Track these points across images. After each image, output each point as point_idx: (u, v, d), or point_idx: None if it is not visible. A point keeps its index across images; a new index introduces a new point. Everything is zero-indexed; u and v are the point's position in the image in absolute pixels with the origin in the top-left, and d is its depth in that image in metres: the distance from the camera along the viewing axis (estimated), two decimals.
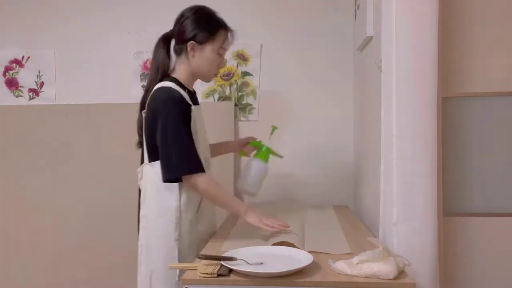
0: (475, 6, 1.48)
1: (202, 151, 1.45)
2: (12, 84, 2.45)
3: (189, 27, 1.45)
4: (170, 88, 1.41)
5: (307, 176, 2.30)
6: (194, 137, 1.40)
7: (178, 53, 1.49)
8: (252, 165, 1.70)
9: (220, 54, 1.49)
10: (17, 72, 2.44)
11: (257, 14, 2.32)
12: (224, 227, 1.67)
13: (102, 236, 2.31)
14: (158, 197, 1.43)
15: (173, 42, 1.51)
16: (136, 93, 2.37)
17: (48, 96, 2.43)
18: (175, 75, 1.48)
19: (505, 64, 1.48)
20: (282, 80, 2.33)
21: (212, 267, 1.11)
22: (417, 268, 1.31)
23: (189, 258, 1.40)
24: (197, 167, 1.36)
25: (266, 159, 1.71)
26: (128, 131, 2.36)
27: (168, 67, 1.49)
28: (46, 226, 2.34)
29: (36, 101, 2.43)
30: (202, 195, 1.43)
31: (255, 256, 1.18)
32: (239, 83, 2.32)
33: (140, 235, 1.48)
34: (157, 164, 1.40)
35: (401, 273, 1.07)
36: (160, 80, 1.45)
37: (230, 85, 2.33)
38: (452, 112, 1.49)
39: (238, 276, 1.07)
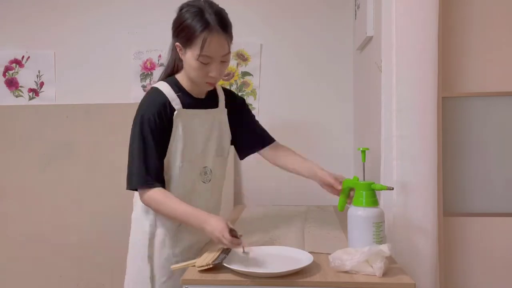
0: (475, 6, 1.48)
1: (192, 159, 1.34)
2: (12, 84, 2.45)
3: (175, 28, 1.30)
4: (154, 90, 1.33)
5: None
6: (174, 143, 1.30)
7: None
8: (352, 218, 1.21)
9: (204, 63, 1.25)
10: (17, 72, 2.44)
11: (257, 14, 2.32)
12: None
13: (102, 236, 2.31)
14: (135, 215, 1.40)
15: None
16: (136, 93, 2.37)
17: (48, 96, 2.43)
18: (179, 75, 1.38)
19: (505, 64, 1.48)
20: (282, 80, 2.33)
21: (209, 259, 1.11)
22: (417, 268, 1.31)
23: (164, 278, 1.32)
24: (141, 182, 1.25)
25: (371, 203, 1.19)
26: (128, 131, 2.36)
27: (176, 66, 1.38)
28: (46, 226, 2.34)
29: (36, 101, 2.43)
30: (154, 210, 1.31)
31: (255, 256, 1.19)
32: (239, 83, 2.32)
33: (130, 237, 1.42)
34: None
35: (401, 273, 1.07)
36: (163, 79, 1.38)
37: (230, 85, 2.33)
38: (452, 112, 1.49)
39: (238, 276, 1.07)
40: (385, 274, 1.06)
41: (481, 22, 1.48)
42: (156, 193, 1.25)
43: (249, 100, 2.32)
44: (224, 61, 1.30)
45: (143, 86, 2.38)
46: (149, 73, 2.38)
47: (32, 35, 2.43)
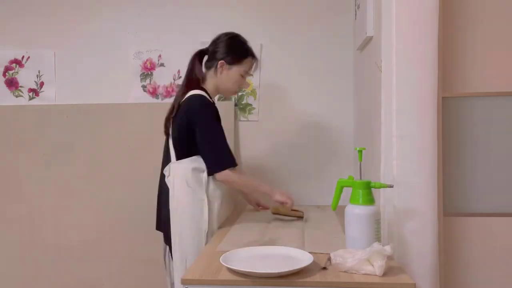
0: (475, 6, 1.48)
1: None
2: (12, 84, 2.45)
3: (222, 49, 1.69)
4: (203, 96, 1.62)
5: (307, 175, 2.30)
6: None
7: (208, 68, 1.72)
8: (349, 217, 1.22)
9: (243, 77, 1.73)
10: (17, 72, 2.44)
11: (257, 14, 2.32)
12: (223, 226, 1.67)
13: (102, 236, 2.31)
14: (188, 190, 1.58)
15: (205, 58, 1.74)
16: (136, 93, 2.37)
17: (48, 96, 2.43)
18: (204, 85, 1.70)
19: (505, 64, 1.48)
20: (282, 80, 2.33)
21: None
22: (417, 268, 1.31)
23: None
24: (234, 162, 1.59)
25: (367, 201, 1.21)
26: (128, 131, 2.37)
27: (203, 78, 1.71)
28: (46, 226, 2.34)
29: (36, 101, 2.43)
30: (234, 186, 1.68)
31: (255, 256, 1.19)
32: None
33: (172, 227, 1.59)
34: (185, 161, 1.59)
35: (401, 273, 1.07)
36: (192, 88, 1.64)
37: None
38: (452, 112, 1.49)
39: (238, 276, 1.07)
40: (385, 274, 1.06)
41: (481, 22, 1.48)
42: (237, 171, 1.62)
43: (249, 100, 2.33)
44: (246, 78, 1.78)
45: (143, 86, 2.38)
46: (149, 73, 2.38)
47: (32, 35, 2.43)
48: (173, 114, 1.64)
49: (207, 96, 1.64)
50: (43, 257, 2.33)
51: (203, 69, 1.73)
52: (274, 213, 1.82)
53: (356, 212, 1.20)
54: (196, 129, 1.58)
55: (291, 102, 2.33)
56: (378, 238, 1.18)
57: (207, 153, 1.58)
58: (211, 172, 1.58)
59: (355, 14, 2.10)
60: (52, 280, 2.33)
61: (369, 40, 1.82)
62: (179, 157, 1.61)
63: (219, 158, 1.58)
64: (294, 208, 1.76)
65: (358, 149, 1.30)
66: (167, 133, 1.69)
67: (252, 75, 1.80)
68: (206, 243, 1.55)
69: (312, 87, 2.31)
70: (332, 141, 2.31)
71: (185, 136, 1.60)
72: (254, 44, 2.32)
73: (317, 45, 2.31)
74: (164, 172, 1.66)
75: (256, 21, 2.32)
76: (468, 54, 1.48)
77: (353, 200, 1.22)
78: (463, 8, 1.48)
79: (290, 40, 2.32)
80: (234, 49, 1.70)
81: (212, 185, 1.61)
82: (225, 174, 1.57)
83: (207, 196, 1.59)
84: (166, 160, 1.68)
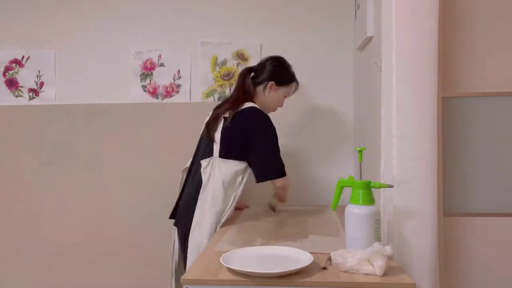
0: (475, 6, 1.48)
1: None
2: (12, 84, 2.45)
3: (273, 70, 1.86)
4: (260, 110, 1.77)
5: (308, 175, 2.30)
6: None
7: (257, 85, 1.86)
8: (349, 217, 1.22)
9: (285, 97, 1.93)
10: (17, 72, 2.44)
11: (257, 14, 2.32)
12: (223, 226, 1.67)
13: (103, 236, 2.31)
14: (222, 188, 1.68)
15: (252, 74, 1.87)
16: (136, 93, 2.37)
17: (48, 96, 2.43)
18: (254, 100, 1.83)
19: (505, 64, 1.48)
20: None
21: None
22: (417, 268, 1.31)
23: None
24: (284, 171, 1.76)
25: (367, 201, 1.20)
26: (128, 131, 2.37)
27: (254, 93, 1.85)
28: (46, 226, 2.34)
29: (36, 101, 2.43)
30: (286, 190, 1.86)
31: (255, 256, 1.19)
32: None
33: (196, 213, 1.69)
34: (231, 162, 1.71)
35: (401, 273, 1.07)
36: (247, 101, 1.78)
37: (230, 85, 2.33)
38: (452, 112, 1.49)
39: (238, 276, 1.07)
40: (385, 274, 1.06)
41: (481, 22, 1.48)
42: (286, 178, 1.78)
43: None
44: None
45: (143, 86, 2.38)
46: (149, 73, 2.38)
47: (32, 35, 2.43)
48: (227, 122, 1.72)
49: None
50: (43, 257, 2.33)
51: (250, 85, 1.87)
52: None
53: (356, 212, 1.20)
54: (254, 139, 1.70)
55: (290, 102, 2.32)
56: (378, 238, 1.18)
57: (266, 161, 1.73)
58: (270, 177, 1.74)
59: (355, 14, 2.10)
60: (52, 280, 2.33)
61: (369, 40, 1.82)
62: (224, 156, 1.72)
63: (278, 166, 1.74)
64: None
65: (358, 149, 1.30)
66: (209, 136, 1.76)
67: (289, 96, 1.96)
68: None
69: (312, 87, 2.31)
70: (332, 141, 2.31)
71: (239, 142, 1.71)
72: (254, 44, 2.35)
73: (317, 45, 2.31)
74: (201, 162, 1.74)
75: (256, 21, 2.32)
76: (468, 54, 1.48)
77: (353, 200, 1.22)
78: (463, 8, 1.48)
79: (290, 40, 2.32)
80: (284, 72, 1.90)
81: (240, 191, 1.72)
82: (284, 180, 1.76)
83: (236, 196, 1.70)
84: (201, 157, 1.78)
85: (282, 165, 1.76)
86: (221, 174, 1.70)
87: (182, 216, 1.78)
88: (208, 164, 1.73)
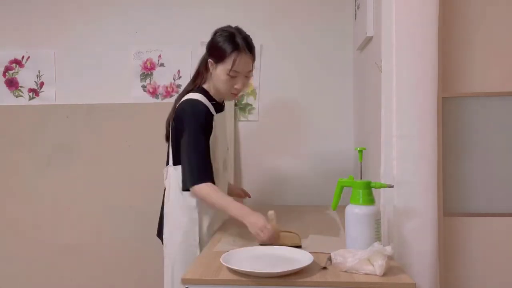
0: (475, 6, 1.48)
1: (220, 154, 1.60)
2: (12, 84, 2.45)
3: (210, 46, 1.58)
4: (196, 101, 1.53)
5: (308, 175, 2.30)
6: (214, 143, 1.54)
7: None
8: (349, 217, 1.22)
9: (232, 76, 1.53)
10: (17, 72, 2.44)
11: (257, 14, 2.32)
12: (224, 225, 1.67)
13: (103, 236, 2.31)
14: (181, 197, 1.54)
15: None
16: (136, 93, 2.37)
17: (48, 96, 2.43)
18: (205, 86, 1.61)
19: (505, 64, 1.48)
20: (282, 80, 2.33)
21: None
22: (417, 268, 1.31)
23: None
24: (201, 179, 1.46)
25: (367, 201, 1.21)
26: (128, 131, 2.37)
27: (202, 78, 1.61)
28: (46, 226, 2.34)
29: (36, 101, 2.43)
30: (203, 201, 1.51)
31: (255, 256, 1.19)
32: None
33: (164, 230, 1.60)
34: (179, 168, 1.53)
35: (401, 273, 1.07)
36: (192, 90, 1.57)
37: None
38: (452, 112, 1.49)
39: (238, 276, 1.07)
40: (385, 273, 1.06)
41: (481, 22, 1.48)
42: (209, 187, 1.46)
43: (249, 100, 2.33)
44: (248, 77, 1.59)
45: (143, 86, 2.38)
46: (149, 73, 2.38)
47: (32, 35, 2.43)
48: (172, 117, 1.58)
49: (204, 100, 1.54)
50: (43, 257, 2.33)
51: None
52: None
53: (356, 212, 1.21)
54: (182, 138, 1.51)
55: (291, 102, 2.33)
56: (378, 238, 1.19)
57: (183, 166, 1.50)
58: (183, 187, 1.51)
59: (355, 14, 2.10)
60: (52, 280, 2.33)
61: (369, 40, 1.82)
62: (175, 162, 1.56)
63: (191, 173, 1.47)
64: (287, 231, 1.41)
65: (358, 149, 1.30)
66: (167, 136, 1.63)
67: (250, 71, 1.59)
68: (199, 252, 1.50)
69: (312, 87, 2.31)
70: (332, 141, 2.31)
71: (176, 143, 1.55)
72: (254, 44, 2.33)
73: (317, 45, 2.31)
74: (163, 173, 1.64)
75: (256, 21, 2.32)
76: (468, 54, 1.48)
77: (353, 200, 1.23)
78: (463, 8, 1.48)
79: (290, 40, 2.32)
80: (218, 45, 1.53)
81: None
82: (194, 190, 1.46)
83: (199, 206, 1.53)
84: (167, 162, 1.63)
85: (197, 172, 1.46)
86: (177, 185, 1.54)
87: (161, 229, 1.66)
88: (166, 176, 1.61)
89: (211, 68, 1.57)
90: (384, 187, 1.24)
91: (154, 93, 2.37)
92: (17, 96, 2.45)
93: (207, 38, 1.77)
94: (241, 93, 1.69)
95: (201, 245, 1.53)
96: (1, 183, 2.38)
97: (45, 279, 2.33)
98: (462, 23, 1.48)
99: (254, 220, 1.34)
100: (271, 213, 1.36)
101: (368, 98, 1.87)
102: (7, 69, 2.45)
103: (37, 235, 2.34)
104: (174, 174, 1.55)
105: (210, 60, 1.56)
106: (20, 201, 2.36)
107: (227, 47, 1.52)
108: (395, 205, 1.36)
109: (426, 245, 1.33)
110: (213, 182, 1.47)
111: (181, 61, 2.35)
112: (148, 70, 2.38)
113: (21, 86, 2.44)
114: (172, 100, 2.32)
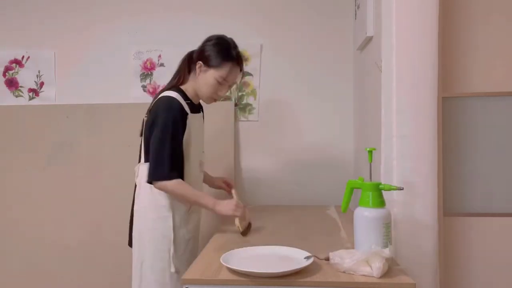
0: (475, 6, 1.48)
1: (195, 154, 1.61)
2: (12, 84, 2.45)
3: (203, 49, 1.60)
4: (170, 98, 1.54)
5: (308, 175, 2.30)
6: (187, 141, 1.55)
7: (192, 68, 1.64)
8: (358, 219, 1.19)
9: (220, 83, 1.59)
10: (17, 72, 2.44)
11: (257, 14, 2.32)
12: (223, 225, 1.67)
13: (103, 236, 2.31)
14: (151, 195, 1.54)
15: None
16: (136, 93, 2.37)
17: (48, 96, 2.43)
18: (184, 86, 1.63)
19: (505, 64, 1.48)
20: (282, 80, 2.33)
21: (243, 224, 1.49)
22: (417, 268, 1.31)
23: (181, 252, 1.55)
24: (169, 174, 1.49)
25: (378, 203, 1.18)
26: (128, 131, 2.36)
27: (182, 78, 1.64)
28: (46, 226, 2.34)
29: (36, 101, 2.43)
30: (172, 196, 1.53)
31: (255, 256, 1.19)
32: (239, 83, 2.32)
33: (134, 228, 1.59)
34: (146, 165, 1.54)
35: (401, 273, 1.07)
36: (169, 89, 1.59)
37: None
38: (452, 112, 1.49)
39: (238, 276, 1.07)
40: (385, 274, 1.06)
41: (481, 22, 1.48)
42: (179, 184, 1.50)
43: (249, 100, 2.33)
44: (231, 86, 1.66)
45: (143, 86, 2.38)
46: (149, 73, 2.38)
47: (32, 35, 2.43)
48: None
49: (179, 98, 1.55)
50: (43, 257, 2.33)
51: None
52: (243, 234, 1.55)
53: (366, 215, 1.16)
54: (154, 131, 1.51)
55: (291, 102, 2.33)
56: (387, 242, 1.14)
57: (151, 159, 1.51)
58: (148, 179, 1.51)
59: (355, 14, 2.10)
60: (52, 280, 2.32)
61: (369, 40, 1.82)
62: (146, 159, 1.55)
63: (157, 167, 1.49)
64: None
65: (368, 149, 1.26)
66: (141, 132, 1.62)
67: (235, 83, 1.68)
68: (172, 250, 1.51)
69: (312, 87, 2.31)
70: (332, 141, 2.31)
71: (148, 139, 1.54)
72: (254, 44, 2.35)
73: (317, 45, 2.31)
74: (134, 170, 1.62)
75: (256, 21, 2.32)
76: (468, 54, 1.48)
77: (362, 202, 1.18)
78: (463, 8, 1.48)
79: (290, 40, 2.32)
80: (215, 51, 1.58)
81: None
82: (160, 184, 1.49)
83: (170, 203, 1.53)
84: (139, 159, 1.64)
85: (163, 166, 1.48)
86: (146, 182, 1.53)
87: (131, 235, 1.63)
88: (137, 174, 1.60)
89: (198, 71, 1.60)
90: (393, 189, 1.19)
91: (154, 93, 2.37)
92: (17, 96, 2.45)
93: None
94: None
95: (175, 243, 1.52)
96: (1, 183, 2.37)
97: (45, 278, 2.33)
98: (462, 23, 1.48)
99: (226, 203, 1.52)
100: (234, 191, 1.67)
101: (368, 98, 1.87)
102: (7, 69, 2.44)
103: (37, 235, 2.34)
104: (145, 171, 1.54)
105: (200, 62, 1.59)
106: (20, 201, 2.36)
107: (226, 56, 1.58)
108: (396, 206, 1.36)
109: (427, 245, 1.34)
110: (181, 177, 1.52)
111: None
112: (148, 70, 2.38)
113: (21, 86, 2.44)
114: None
